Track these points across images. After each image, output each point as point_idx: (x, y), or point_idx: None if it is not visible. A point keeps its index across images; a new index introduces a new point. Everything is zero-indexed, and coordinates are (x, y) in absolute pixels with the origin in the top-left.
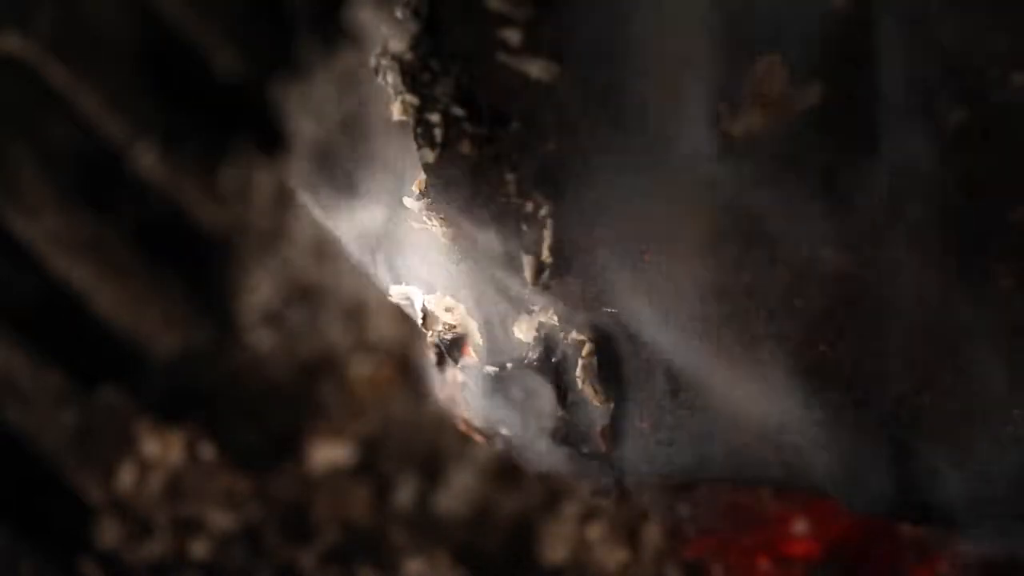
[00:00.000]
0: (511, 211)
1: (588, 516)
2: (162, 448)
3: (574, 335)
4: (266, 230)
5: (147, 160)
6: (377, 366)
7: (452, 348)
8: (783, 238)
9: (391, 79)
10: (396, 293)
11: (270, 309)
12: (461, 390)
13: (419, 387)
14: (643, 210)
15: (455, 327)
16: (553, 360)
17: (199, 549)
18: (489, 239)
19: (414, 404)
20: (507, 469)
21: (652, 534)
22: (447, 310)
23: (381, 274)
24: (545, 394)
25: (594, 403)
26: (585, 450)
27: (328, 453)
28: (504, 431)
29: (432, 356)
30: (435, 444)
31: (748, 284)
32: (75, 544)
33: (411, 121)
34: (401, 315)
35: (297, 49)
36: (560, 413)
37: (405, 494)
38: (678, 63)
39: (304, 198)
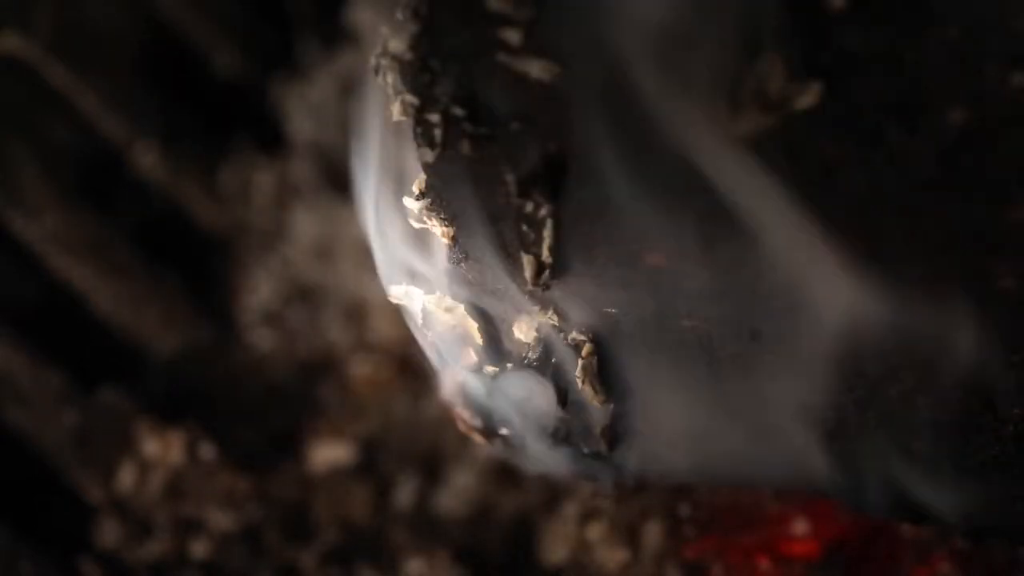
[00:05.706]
0: (511, 211)
1: (588, 516)
2: (162, 448)
3: (574, 335)
4: (266, 230)
5: (147, 160)
6: (377, 366)
7: (452, 348)
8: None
9: (391, 79)
10: (396, 293)
11: (270, 309)
12: (461, 390)
13: (419, 387)
14: (643, 210)
15: (455, 327)
16: (553, 360)
17: (199, 549)
18: (489, 239)
19: (414, 404)
20: (507, 469)
21: (652, 534)
22: (447, 310)
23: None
24: (545, 394)
25: (594, 403)
26: (585, 450)
27: (328, 453)
28: (504, 431)
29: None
30: (435, 444)
31: (747, 284)
32: (75, 544)
33: (411, 121)
34: (401, 315)
35: (297, 49)
36: (560, 413)
37: (405, 494)
38: (678, 62)
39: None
